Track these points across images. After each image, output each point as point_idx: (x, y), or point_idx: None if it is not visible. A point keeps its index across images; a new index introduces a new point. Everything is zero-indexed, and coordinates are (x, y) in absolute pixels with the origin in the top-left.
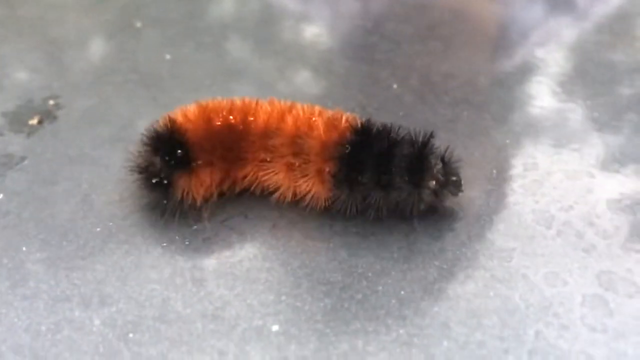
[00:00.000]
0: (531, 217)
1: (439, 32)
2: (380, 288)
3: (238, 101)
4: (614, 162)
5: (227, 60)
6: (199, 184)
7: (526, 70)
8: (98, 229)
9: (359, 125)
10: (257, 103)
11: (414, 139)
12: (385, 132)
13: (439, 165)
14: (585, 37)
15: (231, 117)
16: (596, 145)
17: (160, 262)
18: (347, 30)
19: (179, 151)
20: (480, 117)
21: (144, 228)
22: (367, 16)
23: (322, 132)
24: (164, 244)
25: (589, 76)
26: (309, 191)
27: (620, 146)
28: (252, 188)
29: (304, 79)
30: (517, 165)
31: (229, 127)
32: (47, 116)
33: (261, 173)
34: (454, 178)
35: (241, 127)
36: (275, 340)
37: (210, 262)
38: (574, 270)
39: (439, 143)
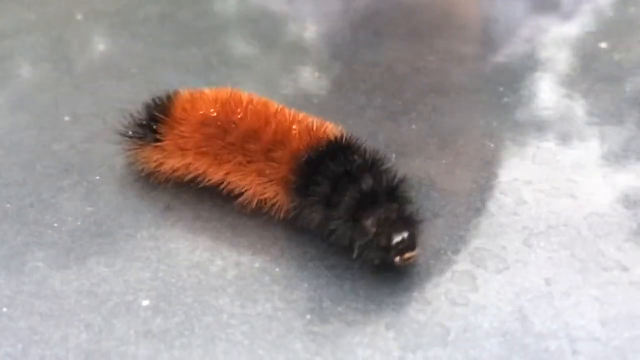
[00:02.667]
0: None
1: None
2: (257, 265)
3: (228, 95)
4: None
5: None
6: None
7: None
8: None
9: (337, 140)
10: (247, 102)
11: (383, 173)
12: (360, 155)
13: (385, 215)
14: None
15: (214, 112)
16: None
17: None
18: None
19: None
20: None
21: None
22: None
23: (297, 142)
24: (55, 225)
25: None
26: (273, 198)
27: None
28: (222, 187)
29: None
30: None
31: (215, 122)
32: None
33: (233, 175)
34: (397, 238)
35: (225, 125)
36: (142, 314)
37: (94, 241)
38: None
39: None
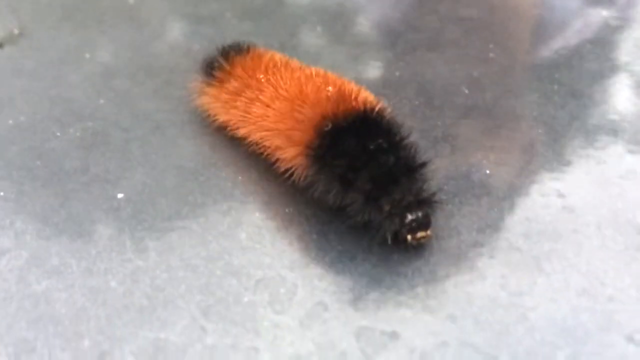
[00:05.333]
0: None
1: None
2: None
3: (273, 57)
4: None
5: None
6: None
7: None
8: None
9: (370, 111)
10: (286, 64)
11: (411, 153)
12: (388, 130)
13: (400, 195)
14: None
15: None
16: None
17: None
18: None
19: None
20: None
21: None
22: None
23: (325, 106)
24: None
25: None
26: (292, 160)
27: None
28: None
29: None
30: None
31: (256, 80)
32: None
33: (262, 132)
34: (411, 216)
35: (263, 84)
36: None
37: None
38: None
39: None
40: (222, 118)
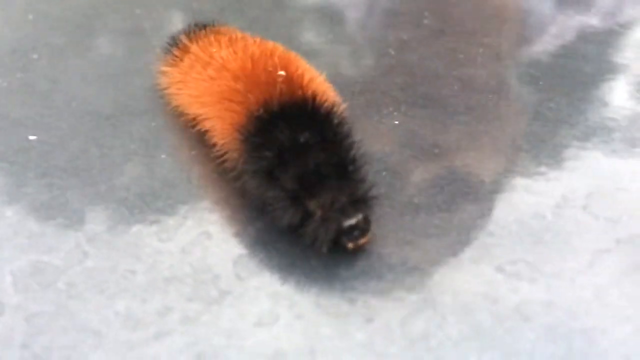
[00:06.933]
0: None
1: None
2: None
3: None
4: None
5: None
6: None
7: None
8: None
9: (313, 102)
10: (244, 39)
11: (350, 151)
12: (328, 125)
13: (333, 196)
14: None
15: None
16: None
17: None
18: None
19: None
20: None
21: None
22: None
23: (269, 89)
24: None
25: None
26: (229, 146)
27: None
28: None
29: None
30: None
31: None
32: None
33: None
34: (348, 222)
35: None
36: None
37: None
38: None
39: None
40: (176, 100)
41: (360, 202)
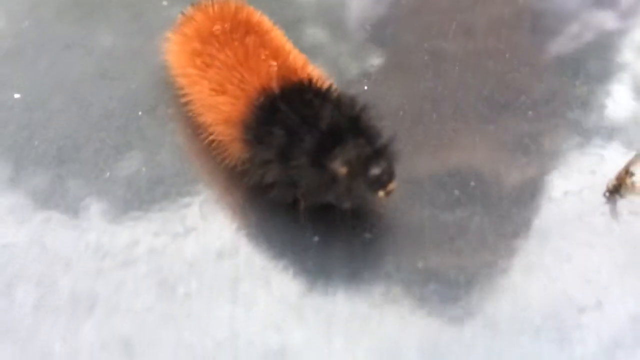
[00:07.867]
0: None
1: None
2: None
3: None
4: None
5: None
6: None
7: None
8: None
9: (305, 84)
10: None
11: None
12: (321, 96)
13: (354, 151)
14: None
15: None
16: None
17: None
18: None
19: None
20: None
21: None
22: None
23: (260, 80)
24: None
25: None
26: (229, 143)
27: None
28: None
29: None
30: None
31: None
32: None
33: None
34: (374, 171)
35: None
36: None
37: None
38: None
39: None
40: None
41: (381, 151)
